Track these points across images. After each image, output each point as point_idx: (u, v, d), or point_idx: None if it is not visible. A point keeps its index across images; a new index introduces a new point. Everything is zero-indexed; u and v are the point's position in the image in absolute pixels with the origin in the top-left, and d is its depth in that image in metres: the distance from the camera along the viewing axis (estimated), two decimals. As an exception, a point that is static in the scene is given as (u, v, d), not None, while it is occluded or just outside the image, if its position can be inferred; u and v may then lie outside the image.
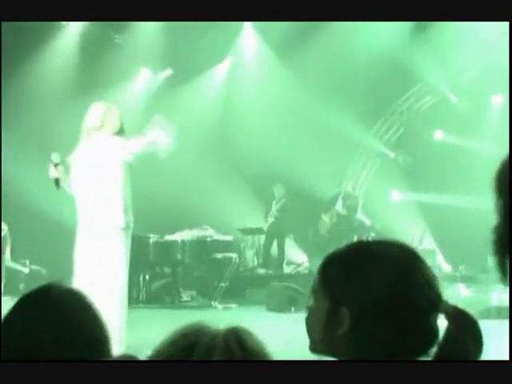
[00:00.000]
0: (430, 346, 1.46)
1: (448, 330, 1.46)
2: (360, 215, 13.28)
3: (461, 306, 1.80)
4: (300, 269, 13.01)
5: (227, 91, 14.25)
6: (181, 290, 11.80)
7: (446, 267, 13.37)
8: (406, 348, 1.46)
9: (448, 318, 1.47)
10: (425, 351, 1.47)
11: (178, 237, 11.66)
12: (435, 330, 1.47)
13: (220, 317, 10.11)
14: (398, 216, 12.88)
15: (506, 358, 1.36)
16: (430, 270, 1.53)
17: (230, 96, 14.13)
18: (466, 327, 1.47)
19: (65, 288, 1.67)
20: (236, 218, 13.02)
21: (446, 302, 1.49)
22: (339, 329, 1.48)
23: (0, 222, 11.36)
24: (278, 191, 13.07)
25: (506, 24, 7.91)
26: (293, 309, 10.25)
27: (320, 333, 1.51)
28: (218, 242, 11.82)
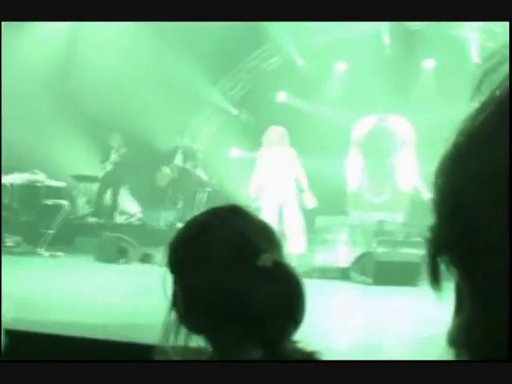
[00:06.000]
0: (243, 305, 1.37)
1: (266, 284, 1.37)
2: (199, 170, 13.33)
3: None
4: (132, 219, 12.90)
5: (73, 37, 13.67)
6: (6, 235, 11.36)
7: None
8: (223, 316, 1.39)
9: (266, 272, 1.36)
10: (241, 313, 1.37)
11: (6, 180, 11.18)
12: (249, 288, 1.36)
13: (46, 264, 9.89)
14: (234, 173, 13.00)
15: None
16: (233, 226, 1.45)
17: (76, 41, 13.57)
18: (283, 281, 1.37)
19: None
20: (70, 165, 12.65)
21: (266, 256, 1.38)
22: (181, 312, 1.45)
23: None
24: (115, 140, 12.79)
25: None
26: (123, 260, 10.17)
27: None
28: (49, 187, 11.41)
